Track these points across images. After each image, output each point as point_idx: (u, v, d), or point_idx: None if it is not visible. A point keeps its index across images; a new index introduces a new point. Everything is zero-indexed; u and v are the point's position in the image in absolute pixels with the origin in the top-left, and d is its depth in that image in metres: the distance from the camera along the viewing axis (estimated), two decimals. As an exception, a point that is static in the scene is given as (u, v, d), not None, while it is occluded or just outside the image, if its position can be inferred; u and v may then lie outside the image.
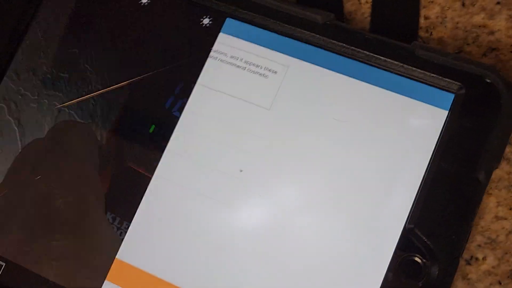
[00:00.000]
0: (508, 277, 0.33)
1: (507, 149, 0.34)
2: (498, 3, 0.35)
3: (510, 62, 0.34)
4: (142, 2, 0.36)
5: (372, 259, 0.31)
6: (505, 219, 0.34)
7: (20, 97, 0.38)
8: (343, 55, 0.33)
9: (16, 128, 0.38)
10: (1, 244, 0.35)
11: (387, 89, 0.33)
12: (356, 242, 0.32)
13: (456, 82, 0.32)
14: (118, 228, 0.34)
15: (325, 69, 0.33)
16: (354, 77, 0.33)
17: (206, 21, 0.35)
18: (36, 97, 0.38)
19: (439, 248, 0.31)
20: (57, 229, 0.33)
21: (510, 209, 0.34)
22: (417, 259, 0.32)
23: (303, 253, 0.32)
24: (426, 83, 0.33)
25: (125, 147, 0.35)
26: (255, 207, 0.32)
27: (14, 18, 0.38)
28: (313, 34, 0.34)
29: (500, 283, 0.33)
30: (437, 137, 0.32)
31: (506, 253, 0.33)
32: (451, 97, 0.32)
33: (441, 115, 0.32)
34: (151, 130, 0.35)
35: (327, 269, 0.31)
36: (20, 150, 0.36)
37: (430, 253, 0.31)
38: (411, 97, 0.33)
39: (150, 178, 0.34)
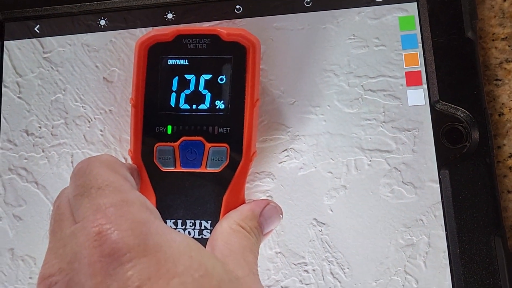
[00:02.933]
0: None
1: None
2: None
3: None
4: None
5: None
6: None
7: (26, 160, 0.37)
8: None
9: (37, 190, 0.37)
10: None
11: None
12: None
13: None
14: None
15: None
16: None
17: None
18: (42, 153, 0.37)
19: (466, 107, 0.35)
20: (127, 259, 0.33)
21: None
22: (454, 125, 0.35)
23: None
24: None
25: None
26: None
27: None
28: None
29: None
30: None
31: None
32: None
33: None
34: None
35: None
36: (52, 208, 0.36)
37: (462, 115, 0.34)
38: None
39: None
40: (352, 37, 0.37)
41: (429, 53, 0.36)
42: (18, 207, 0.37)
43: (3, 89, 0.38)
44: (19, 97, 0.38)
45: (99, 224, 0.31)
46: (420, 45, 0.36)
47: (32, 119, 0.38)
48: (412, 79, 0.36)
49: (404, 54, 0.37)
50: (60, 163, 0.38)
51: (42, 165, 0.38)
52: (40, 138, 0.38)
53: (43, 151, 0.38)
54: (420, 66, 0.36)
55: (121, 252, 0.31)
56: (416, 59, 0.36)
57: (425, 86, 0.36)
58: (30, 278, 0.36)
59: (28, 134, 0.38)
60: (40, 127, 0.38)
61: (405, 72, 0.36)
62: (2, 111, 0.38)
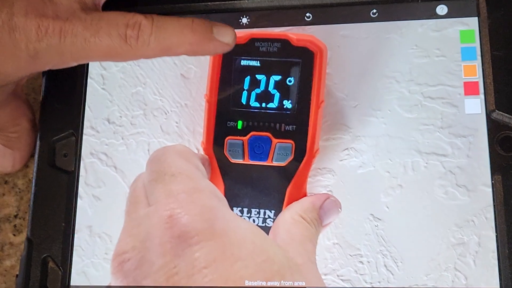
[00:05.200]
0: None
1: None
2: None
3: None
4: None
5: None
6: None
7: (106, 146, 0.41)
8: None
9: (116, 174, 0.40)
10: (149, 276, 0.36)
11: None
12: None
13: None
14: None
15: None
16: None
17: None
18: (122, 140, 0.41)
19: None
20: (194, 241, 0.34)
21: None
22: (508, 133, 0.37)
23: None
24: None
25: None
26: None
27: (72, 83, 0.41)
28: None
29: None
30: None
31: None
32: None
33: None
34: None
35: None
36: (128, 190, 0.39)
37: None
38: None
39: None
40: (414, 47, 0.39)
41: (487, 65, 0.38)
42: (98, 188, 0.41)
43: (89, 80, 0.42)
44: (103, 88, 0.42)
45: (171, 208, 0.34)
46: (479, 57, 0.39)
47: (114, 109, 0.42)
48: (469, 89, 0.38)
49: (463, 65, 0.39)
50: (137, 150, 0.41)
51: (121, 151, 0.41)
52: (120, 126, 0.41)
53: (122, 138, 0.41)
54: (478, 77, 0.38)
55: (190, 234, 0.33)
56: (474, 70, 0.39)
57: (482, 96, 0.38)
58: (106, 254, 0.40)
59: (109, 123, 0.41)
60: (120, 117, 0.41)
61: (464, 82, 0.39)
62: (87, 100, 0.42)
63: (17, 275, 0.39)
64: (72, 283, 0.39)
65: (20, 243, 0.45)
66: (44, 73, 0.42)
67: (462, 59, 0.39)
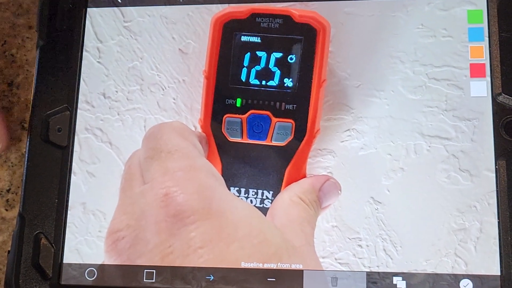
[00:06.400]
0: None
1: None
2: None
3: None
4: None
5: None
6: None
7: (101, 122, 0.40)
8: None
9: (111, 150, 0.40)
10: (143, 255, 0.36)
11: None
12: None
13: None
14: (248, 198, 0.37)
15: None
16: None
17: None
18: (117, 116, 0.40)
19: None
20: (190, 221, 0.34)
21: None
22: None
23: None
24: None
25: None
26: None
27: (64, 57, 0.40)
28: None
29: None
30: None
31: None
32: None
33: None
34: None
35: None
36: (123, 167, 0.38)
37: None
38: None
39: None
40: (420, 27, 0.38)
41: (495, 46, 0.37)
42: (92, 165, 0.40)
43: (84, 53, 0.41)
44: (98, 62, 0.41)
45: (166, 186, 0.33)
46: (487, 38, 0.38)
47: (110, 84, 0.40)
48: (476, 71, 0.37)
49: (470, 46, 0.38)
50: (133, 127, 0.40)
51: (116, 127, 0.40)
52: (116, 101, 0.40)
53: (118, 114, 0.40)
54: (484, 59, 0.37)
55: (186, 214, 0.33)
56: (481, 52, 0.38)
57: (489, 79, 0.37)
58: (99, 231, 0.39)
59: (105, 97, 0.40)
60: (116, 92, 0.40)
61: (470, 64, 0.38)
62: (82, 74, 0.41)
63: (8, 251, 0.38)
64: (64, 261, 0.38)
65: (12, 218, 0.44)
66: (38, 45, 0.40)
67: (469, 40, 0.38)
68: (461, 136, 0.37)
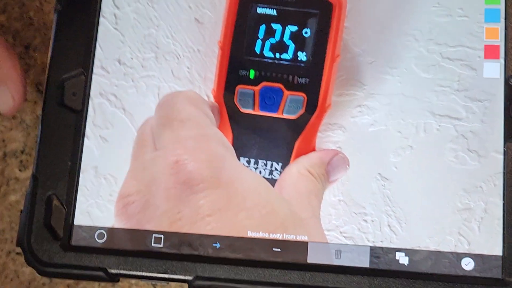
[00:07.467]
0: None
1: None
2: None
3: None
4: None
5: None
6: None
7: (116, 87, 0.40)
8: None
9: (124, 116, 0.40)
10: (152, 220, 0.36)
11: None
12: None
13: None
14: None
15: None
16: None
17: None
18: (132, 83, 0.40)
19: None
20: (200, 189, 0.34)
21: None
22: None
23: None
24: None
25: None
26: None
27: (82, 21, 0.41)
28: None
29: None
30: None
31: None
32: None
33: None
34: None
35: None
36: (136, 133, 0.39)
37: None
38: None
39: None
40: (437, 5, 0.38)
41: (510, 29, 0.37)
42: (105, 129, 0.40)
43: (101, 19, 0.41)
44: (115, 28, 0.41)
45: (177, 154, 0.34)
46: (503, 20, 0.37)
47: (125, 50, 0.41)
48: (490, 52, 0.37)
49: (486, 27, 0.38)
50: (147, 94, 0.40)
51: (130, 93, 0.40)
52: (131, 68, 0.41)
53: (132, 80, 0.41)
54: (500, 41, 0.37)
55: (195, 181, 0.33)
56: (496, 34, 0.37)
57: (502, 61, 0.37)
58: (110, 195, 0.40)
59: (120, 64, 0.41)
60: (132, 58, 0.41)
61: (484, 45, 0.38)
62: (98, 39, 0.41)
63: (21, 211, 0.39)
64: (75, 223, 0.39)
65: (26, 179, 0.45)
66: (55, 8, 0.41)
67: (485, 21, 0.38)
68: (472, 117, 0.37)
